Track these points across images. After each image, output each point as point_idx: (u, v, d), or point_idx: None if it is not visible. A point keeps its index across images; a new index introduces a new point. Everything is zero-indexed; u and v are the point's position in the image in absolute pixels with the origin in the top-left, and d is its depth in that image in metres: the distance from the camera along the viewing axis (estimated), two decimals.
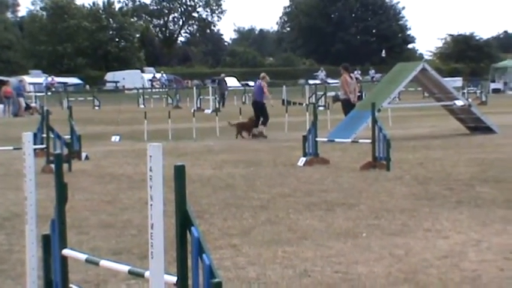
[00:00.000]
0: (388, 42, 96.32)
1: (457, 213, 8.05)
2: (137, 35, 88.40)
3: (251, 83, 66.18)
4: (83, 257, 4.29)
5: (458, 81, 56.73)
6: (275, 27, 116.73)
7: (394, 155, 12.25)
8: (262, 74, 21.21)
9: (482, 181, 10.32)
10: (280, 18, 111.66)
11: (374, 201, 8.95)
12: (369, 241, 6.81)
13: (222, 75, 47.20)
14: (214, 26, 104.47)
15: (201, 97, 40.62)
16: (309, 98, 39.97)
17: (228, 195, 9.69)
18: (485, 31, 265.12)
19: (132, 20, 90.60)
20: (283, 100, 41.20)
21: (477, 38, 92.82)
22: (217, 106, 37.67)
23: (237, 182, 10.96)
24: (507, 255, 6.13)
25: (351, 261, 6.07)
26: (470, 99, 30.30)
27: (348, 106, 19.78)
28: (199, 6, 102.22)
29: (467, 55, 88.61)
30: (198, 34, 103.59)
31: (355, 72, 67.59)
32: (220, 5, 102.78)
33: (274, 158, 14.14)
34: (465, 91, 43.99)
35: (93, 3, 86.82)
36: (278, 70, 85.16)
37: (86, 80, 71.12)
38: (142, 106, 44.55)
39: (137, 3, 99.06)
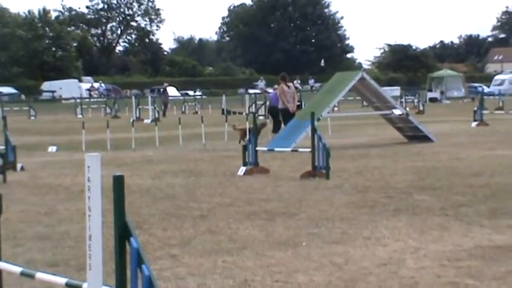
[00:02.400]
0: (327, 52, 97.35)
1: (395, 221, 8.17)
2: (74, 44, 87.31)
3: (191, 93, 66.06)
4: (18, 269, 4.22)
5: (396, 91, 57.66)
6: (214, 37, 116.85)
7: (333, 163, 12.37)
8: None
9: (419, 189, 10.50)
10: (220, 27, 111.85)
11: (314, 210, 9.02)
12: (309, 250, 6.85)
13: (165, 84, 46.94)
14: (153, 35, 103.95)
15: (140, 107, 40.33)
16: (249, 107, 40.09)
17: (168, 205, 9.64)
18: (422, 41, 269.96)
19: (69, 29, 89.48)
20: (222, 109, 41.22)
21: (414, 48, 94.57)
22: (160, 115, 37.61)
23: (177, 192, 10.91)
24: (444, 262, 6.25)
25: (291, 270, 6.10)
26: (408, 108, 30.80)
27: (286, 116, 19.91)
28: (138, 15, 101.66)
29: (404, 64, 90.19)
30: (136, 43, 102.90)
31: (295, 81, 68.24)
32: (159, 14, 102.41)
33: (214, 167, 14.13)
34: (403, 100, 44.73)
35: (29, 12, 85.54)
36: (218, 79, 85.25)
37: (21, 89, 69.90)
38: (80, 116, 43.99)
39: (74, 12, 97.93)
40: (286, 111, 19.99)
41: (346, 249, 6.85)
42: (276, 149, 15.45)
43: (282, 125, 20.23)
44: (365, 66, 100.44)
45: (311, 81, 75.16)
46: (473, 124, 25.78)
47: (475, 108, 26.98)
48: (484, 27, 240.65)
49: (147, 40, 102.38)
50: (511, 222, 7.83)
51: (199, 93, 67.06)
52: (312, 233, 7.59)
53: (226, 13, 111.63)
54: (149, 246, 7.03)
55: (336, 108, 34.19)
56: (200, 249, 6.96)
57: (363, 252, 6.73)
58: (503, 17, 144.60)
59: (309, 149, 12.40)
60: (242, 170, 12.89)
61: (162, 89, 46.04)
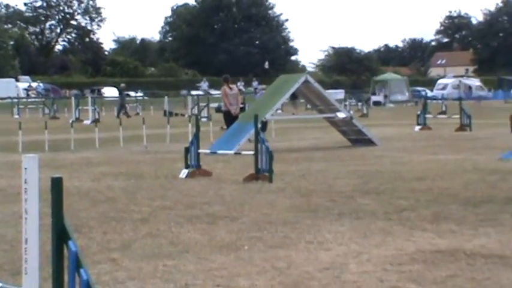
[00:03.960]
0: (271, 54, 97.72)
1: (338, 225, 8.24)
2: (11, 43, 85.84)
3: (132, 94, 65.55)
4: None
5: (340, 94, 58.26)
6: (157, 37, 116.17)
7: (276, 167, 12.43)
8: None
9: (363, 193, 10.62)
10: (162, 27, 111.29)
11: (257, 213, 9.05)
12: (251, 254, 6.87)
13: (122, 85, 46.41)
14: (93, 34, 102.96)
15: (80, 107, 39.90)
16: (192, 109, 40.02)
17: (107, 208, 9.56)
18: (366, 44, 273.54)
19: (5, 26, 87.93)
20: (164, 111, 41.06)
21: (358, 51, 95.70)
22: (123, 114, 37.42)
23: (117, 194, 10.82)
24: (386, 266, 6.33)
25: (233, 274, 6.11)
26: (352, 112, 31.18)
27: (229, 118, 19.94)
28: (78, 14, 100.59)
29: (348, 68, 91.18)
30: (76, 42, 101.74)
31: (238, 83, 68.34)
32: (100, 13, 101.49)
33: (155, 170, 14.06)
34: (347, 103, 45.26)
35: None
36: (160, 81, 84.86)
37: None
38: (16, 116, 43.30)
39: (11, 9, 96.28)
40: (228, 113, 20.00)
41: (288, 253, 6.89)
42: (218, 152, 15.46)
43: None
44: (309, 69, 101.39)
45: (254, 83, 75.29)
46: (417, 128, 26.22)
47: (418, 112, 27.45)
48: (427, 31, 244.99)
49: (87, 39, 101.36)
50: (452, 227, 7.98)
51: (141, 94, 66.66)
52: (254, 237, 7.61)
53: (169, 13, 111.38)
54: (88, 250, 6.96)
55: (279, 111, 34.45)
56: (140, 253, 6.92)
57: (305, 256, 6.77)
58: (446, 21, 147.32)
59: (252, 152, 12.43)
60: (184, 172, 12.86)
61: (118, 90, 45.54)
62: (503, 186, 10.94)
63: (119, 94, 44.08)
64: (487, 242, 7.17)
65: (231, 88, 20.31)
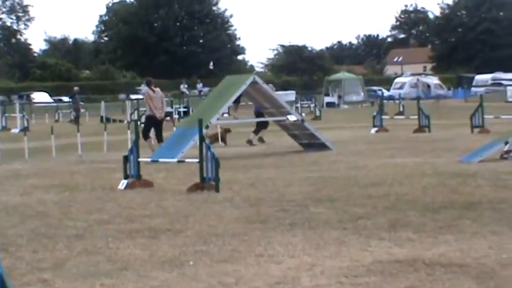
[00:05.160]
0: (216, 53, 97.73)
1: (290, 236, 8.28)
2: None
3: (65, 99, 64.88)
4: None
5: (291, 95, 58.50)
6: (91, 37, 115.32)
7: (223, 175, 12.43)
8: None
9: (316, 201, 10.68)
10: (97, 26, 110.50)
11: (202, 225, 9.03)
12: (197, 269, 6.86)
13: (76, 88, 45.76)
14: (21, 35, 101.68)
15: (7, 115, 39.34)
16: (131, 114, 39.78)
17: (38, 224, 9.44)
18: (318, 42, 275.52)
19: None
20: (101, 117, 40.73)
21: (310, 49, 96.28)
22: (72, 121, 37.05)
23: (49, 209, 10.70)
24: (341, 279, 6.38)
25: None
26: (303, 114, 31.33)
27: (154, 123, 19.86)
28: (3, 13, 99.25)
29: (300, 67, 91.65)
30: (1, 44, 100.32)
31: (181, 86, 68.26)
32: (28, 11, 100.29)
33: (91, 181, 13.94)
34: (298, 105, 45.46)
35: None
36: (95, 84, 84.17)
37: None
38: None
39: None
40: (153, 118, 19.86)
41: (236, 267, 6.89)
42: (160, 160, 15.39)
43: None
44: (257, 69, 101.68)
45: (199, 86, 75.28)
46: (373, 130, 26.48)
47: (375, 113, 27.73)
48: (383, 27, 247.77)
49: (13, 40, 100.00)
50: (411, 235, 8.07)
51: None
52: (200, 251, 7.60)
53: (104, 11, 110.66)
54: (16, 270, 6.86)
55: (226, 115, 34.43)
56: (75, 272, 6.85)
57: (255, 270, 6.78)
58: (402, 16, 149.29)
59: (197, 160, 12.40)
60: (123, 183, 12.77)
61: (71, 95, 44.95)
62: (463, 191, 11.12)
63: (72, 98, 43.59)
64: (446, 250, 7.27)
65: (154, 91, 20.20)
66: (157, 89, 20.47)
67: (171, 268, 6.93)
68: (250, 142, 22.38)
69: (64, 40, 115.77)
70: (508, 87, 65.45)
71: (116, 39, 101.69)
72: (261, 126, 22.66)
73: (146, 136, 19.81)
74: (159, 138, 19.83)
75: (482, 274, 6.41)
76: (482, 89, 68.21)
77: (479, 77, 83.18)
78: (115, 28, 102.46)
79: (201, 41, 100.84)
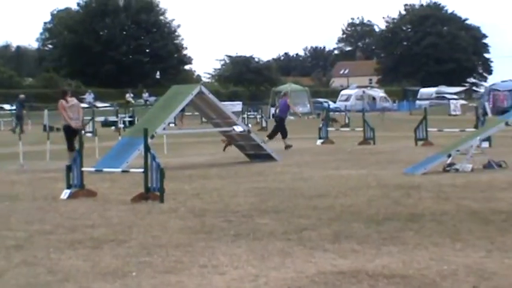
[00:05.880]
0: (162, 63, 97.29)
1: (234, 246, 8.27)
2: None
3: (6, 106, 63.94)
4: None
5: (238, 106, 58.60)
6: (35, 44, 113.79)
7: (168, 185, 12.38)
8: (285, 91, 27.45)
9: (261, 212, 10.69)
10: (41, 34, 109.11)
11: (146, 236, 8.98)
12: (140, 280, 6.81)
13: (21, 96, 44.88)
14: None
15: None
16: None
17: None
18: (265, 53, 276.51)
19: None
20: (44, 126, 40.20)
21: (257, 60, 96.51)
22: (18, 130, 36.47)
23: None
24: None
25: None
26: (250, 125, 31.38)
27: (68, 133, 19.60)
28: None
29: (246, 78, 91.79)
30: None
31: (127, 95, 67.81)
32: None
33: (33, 190, 13.75)
34: (245, 116, 45.51)
35: None
36: (39, 92, 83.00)
37: None
38: None
39: None
40: (68, 128, 19.59)
41: (180, 278, 6.85)
42: (104, 170, 15.26)
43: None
44: (204, 79, 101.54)
45: (145, 95, 74.89)
46: (319, 142, 26.65)
47: (320, 125, 27.91)
48: (330, 39, 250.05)
49: None
50: (354, 246, 8.13)
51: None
52: (143, 262, 7.54)
53: (48, 18, 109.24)
54: None
55: (172, 125, 34.34)
56: (14, 284, 6.75)
57: (198, 281, 6.76)
58: (349, 28, 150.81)
59: (142, 170, 12.33)
60: (66, 193, 12.63)
61: (17, 102, 44.13)
62: (406, 202, 11.25)
63: (18, 105, 42.91)
64: (389, 262, 7.34)
65: (68, 101, 19.96)
66: (73, 99, 20.23)
67: (114, 279, 6.86)
68: (288, 146, 24.27)
69: (6, 47, 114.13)
70: (451, 101, 66.57)
71: (60, 47, 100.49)
72: (281, 132, 25.30)
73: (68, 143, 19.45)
74: (70, 148, 19.40)
75: (424, 285, 6.49)
76: (427, 102, 69.27)
77: (424, 90, 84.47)
78: (60, 36, 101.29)
79: (147, 50, 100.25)
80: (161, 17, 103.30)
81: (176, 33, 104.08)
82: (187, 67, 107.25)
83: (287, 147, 24.19)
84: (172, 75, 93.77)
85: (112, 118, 46.29)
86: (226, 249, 8.14)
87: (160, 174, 11.87)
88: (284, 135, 25.26)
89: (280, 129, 25.58)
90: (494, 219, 9.61)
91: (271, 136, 25.63)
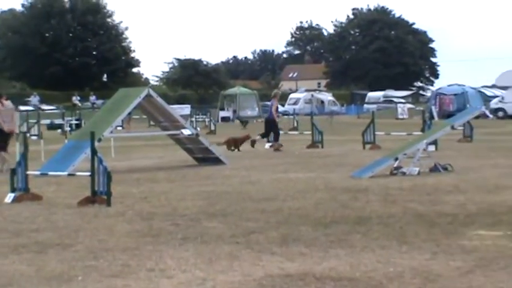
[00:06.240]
0: (110, 66, 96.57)
1: (182, 250, 8.26)
2: None
3: None
4: None
5: (186, 109, 58.44)
6: None
7: (115, 189, 12.31)
8: (274, 93, 27.56)
9: (209, 215, 10.70)
10: None
11: (92, 240, 8.91)
12: (86, 285, 6.76)
13: None
14: None
15: None
16: (20, 126, 38.84)
17: None
18: (214, 56, 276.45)
19: None
20: None
21: (205, 63, 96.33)
22: None
23: None
24: None
25: None
26: (198, 128, 31.33)
27: (1, 136, 19.38)
28: None
29: (195, 81, 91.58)
30: None
31: (74, 98, 67.17)
32: None
33: None
34: (193, 119, 45.45)
35: None
36: None
37: None
38: None
39: None
40: (1, 131, 19.38)
41: (127, 282, 6.82)
42: (50, 173, 15.10)
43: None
44: (152, 82, 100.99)
45: (92, 98, 74.24)
46: (267, 145, 26.70)
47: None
48: (279, 43, 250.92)
49: None
50: (302, 249, 8.17)
51: None
52: (90, 266, 7.49)
53: None
54: None
55: (119, 128, 34.12)
56: None
57: (145, 285, 6.74)
58: (298, 32, 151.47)
59: (88, 173, 12.24)
60: (10, 197, 12.47)
61: None
62: (354, 206, 11.35)
63: None
64: (337, 265, 7.40)
65: (3, 104, 19.78)
66: (8, 102, 20.04)
67: (59, 284, 6.80)
68: (279, 146, 24.96)
69: None
70: (399, 105, 67.28)
71: (4, 49, 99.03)
72: (267, 132, 25.99)
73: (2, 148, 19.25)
74: (4, 149, 19.19)
75: None
76: (374, 106, 69.98)
77: (372, 94, 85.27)
78: (4, 37, 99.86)
79: (94, 52, 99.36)
80: (108, 19, 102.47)
81: (124, 36, 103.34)
82: (135, 70, 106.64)
83: (275, 148, 24.93)
84: (120, 78, 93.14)
85: (58, 121, 45.81)
86: (174, 252, 8.13)
87: (107, 178, 11.79)
88: (275, 137, 25.81)
89: (271, 129, 26.05)
90: (440, 222, 9.75)
91: (276, 139, 25.84)
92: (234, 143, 25.24)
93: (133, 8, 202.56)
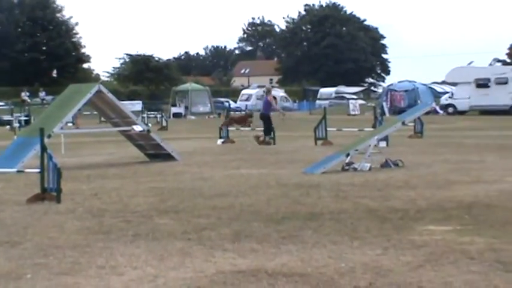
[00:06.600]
0: (60, 61, 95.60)
1: (133, 247, 8.22)
2: None
3: None
4: None
5: (138, 105, 58.18)
6: None
7: (66, 185, 12.20)
8: (268, 88, 28.53)
9: (161, 212, 10.66)
10: None
11: (42, 237, 8.82)
12: (34, 283, 6.69)
13: None
14: None
15: None
16: None
17: None
18: (165, 52, 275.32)
19: None
20: None
21: (157, 59, 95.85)
22: None
23: None
24: None
25: None
26: (150, 124, 31.20)
27: None
28: None
29: (147, 77, 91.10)
30: None
31: (23, 94, 66.39)
32: None
33: None
34: (145, 115, 45.26)
35: None
36: None
37: None
38: None
39: None
40: None
41: (77, 280, 6.77)
42: None
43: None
44: (103, 78, 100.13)
45: (42, 94, 73.47)
46: (219, 141, 26.71)
47: (221, 125, 27.99)
48: (231, 39, 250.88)
49: None
50: (254, 245, 8.19)
51: None
52: (39, 264, 7.41)
53: None
54: None
55: (70, 124, 33.81)
56: None
57: (95, 283, 6.69)
58: (250, 28, 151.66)
59: (38, 170, 12.10)
60: None
61: None
62: (306, 201, 11.40)
63: None
64: (288, 260, 7.43)
65: None
66: None
67: (7, 282, 6.72)
68: (268, 142, 25.45)
69: None
70: (350, 101, 67.76)
71: None
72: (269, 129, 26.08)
73: None
74: None
75: (322, 283, 6.59)
76: (326, 102, 70.37)
77: (323, 90, 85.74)
78: None
79: (44, 48, 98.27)
80: (58, 15, 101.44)
81: (74, 31, 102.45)
82: (85, 65, 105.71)
83: (265, 143, 25.27)
84: (70, 74, 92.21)
85: (7, 117, 45.26)
86: (125, 249, 8.08)
87: (57, 175, 11.68)
88: (267, 132, 26.06)
89: (266, 125, 26.24)
90: (391, 217, 9.84)
91: (267, 133, 26.13)
92: (235, 122, 26.89)
93: (84, 3, 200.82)
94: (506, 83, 54.51)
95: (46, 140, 12.62)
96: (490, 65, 75.07)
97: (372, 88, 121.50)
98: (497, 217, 9.73)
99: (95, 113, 30.36)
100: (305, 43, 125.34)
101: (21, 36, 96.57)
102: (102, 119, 32.73)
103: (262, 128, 26.47)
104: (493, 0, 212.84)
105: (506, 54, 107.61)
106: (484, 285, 6.46)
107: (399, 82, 66.87)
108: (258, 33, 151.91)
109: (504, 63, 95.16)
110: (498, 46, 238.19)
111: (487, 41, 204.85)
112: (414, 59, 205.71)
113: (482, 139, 26.34)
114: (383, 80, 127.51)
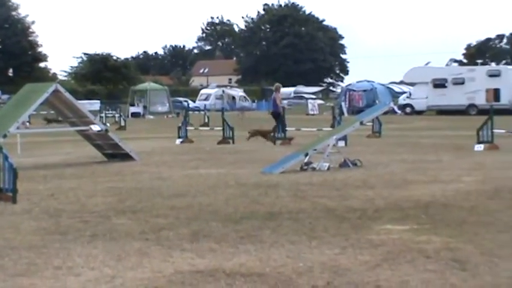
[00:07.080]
0: (16, 60, 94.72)
1: (91, 247, 8.16)
2: None
3: None
4: None
5: (96, 104, 57.85)
6: None
7: (22, 185, 12.07)
8: (276, 85, 27.78)
9: (119, 212, 10.60)
10: None
11: None
12: None
13: None
14: None
15: None
16: None
17: None
18: (123, 51, 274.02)
19: None
20: None
21: (115, 58, 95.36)
22: None
23: None
24: None
25: None
26: (108, 124, 31.02)
27: None
28: None
29: (104, 76, 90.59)
30: None
31: None
32: None
33: None
34: (103, 115, 44.99)
35: None
36: None
37: None
38: None
39: None
40: None
41: (33, 281, 6.71)
42: None
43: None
44: (60, 77, 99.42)
45: None
46: (178, 141, 26.65)
47: (180, 124, 27.92)
48: (189, 38, 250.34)
49: None
50: (212, 245, 8.18)
51: None
52: None
53: None
54: None
55: (27, 123, 33.47)
56: None
57: (52, 283, 6.63)
58: (208, 27, 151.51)
59: None
60: None
61: None
62: (264, 201, 11.42)
63: None
64: (247, 260, 7.44)
65: None
66: None
67: None
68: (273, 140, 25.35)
69: None
70: (309, 101, 68.07)
71: None
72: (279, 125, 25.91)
73: None
74: None
75: (280, 283, 6.61)
76: (285, 101, 70.50)
77: (282, 90, 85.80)
78: None
79: (0, 46, 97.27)
80: (14, 13, 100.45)
81: (30, 30, 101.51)
82: (42, 64, 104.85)
83: (274, 140, 25.28)
84: (26, 73, 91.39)
85: None
86: (82, 250, 8.03)
87: (13, 175, 11.55)
88: (282, 129, 25.90)
89: (279, 122, 26.15)
90: (349, 217, 9.90)
91: (274, 131, 26.10)
92: (260, 134, 26.45)
93: (40, 1, 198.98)
94: (462, 83, 55.17)
95: (1, 140, 12.50)
96: (447, 65, 75.98)
97: (331, 88, 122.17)
98: (453, 216, 9.84)
99: (52, 112, 30.11)
100: (264, 43, 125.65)
101: None
102: (60, 118, 32.47)
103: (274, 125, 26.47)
104: (450, 1, 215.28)
105: (463, 54, 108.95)
106: (441, 284, 6.53)
107: (358, 82, 67.34)
108: (217, 33, 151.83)
109: (461, 63, 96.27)
110: (455, 47, 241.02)
111: (444, 42, 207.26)
112: (372, 59, 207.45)
113: (439, 139, 26.61)
114: (342, 80, 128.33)
